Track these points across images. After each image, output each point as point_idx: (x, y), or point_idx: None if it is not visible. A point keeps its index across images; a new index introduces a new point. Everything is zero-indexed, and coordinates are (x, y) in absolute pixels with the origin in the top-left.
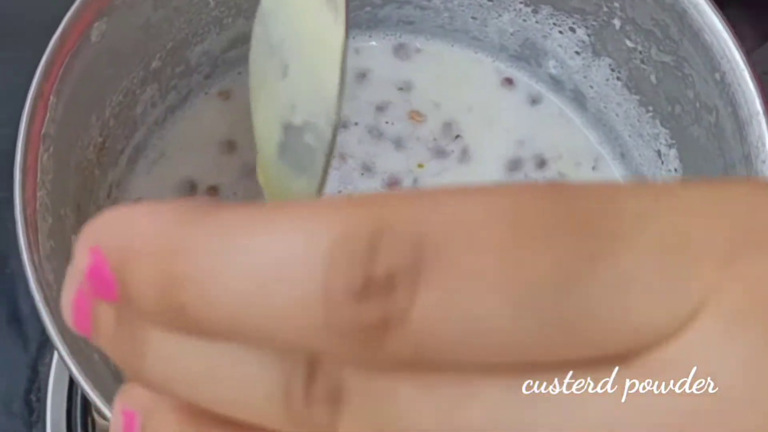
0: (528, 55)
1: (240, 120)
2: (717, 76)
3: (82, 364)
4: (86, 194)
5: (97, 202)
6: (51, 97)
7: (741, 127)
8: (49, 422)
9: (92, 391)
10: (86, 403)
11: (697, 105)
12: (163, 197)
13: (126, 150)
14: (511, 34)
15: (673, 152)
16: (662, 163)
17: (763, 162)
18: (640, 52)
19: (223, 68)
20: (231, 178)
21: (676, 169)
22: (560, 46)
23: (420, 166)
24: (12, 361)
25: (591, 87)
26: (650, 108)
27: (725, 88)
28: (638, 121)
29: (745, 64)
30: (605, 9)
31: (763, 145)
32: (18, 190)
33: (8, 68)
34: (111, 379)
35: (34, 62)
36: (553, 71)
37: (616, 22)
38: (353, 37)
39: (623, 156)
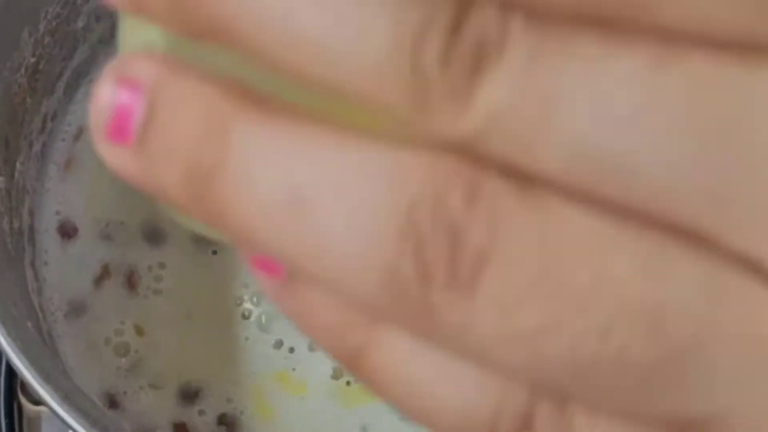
0: None
1: None
2: None
3: (12, 333)
4: (15, 127)
5: (29, 137)
6: None
7: None
8: None
9: (23, 366)
10: (12, 385)
11: None
12: None
13: (64, 73)
14: None
15: None
16: None
17: None
18: None
19: None
20: None
21: None
22: None
23: None
24: None
25: None
26: None
27: None
28: None
29: None
30: None
31: None
32: None
33: None
34: (48, 357)
35: None
36: None
37: None
38: None
39: None
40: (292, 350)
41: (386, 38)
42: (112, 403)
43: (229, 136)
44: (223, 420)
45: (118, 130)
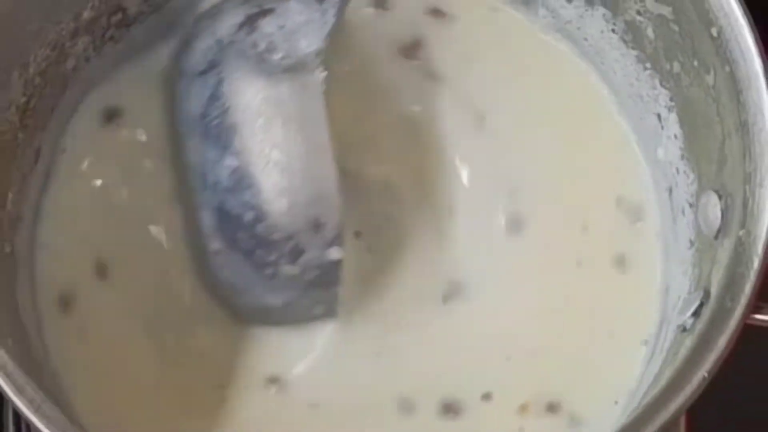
0: (517, 2)
1: None
2: (714, 31)
3: None
4: (5, 161)
5: (21, 170)
6: None
7: (739, 90)
8: None
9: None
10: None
11: (696, 63)
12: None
13: (55, 110)
14: None
15: (672, 116)
16: (662, 128)
17: (761, 130)
18: (636, 2)
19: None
20: None
21: (676, 135)
22: None
23: None
24: None
25: (585, 40)
26: (648, 65)
27: (722, 45)
28: (637, 79)
29: (744, 19)
30: None
31: (762, 113)
32: None
33: None
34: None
35: None
36: (544, 21)
37: None
38: None
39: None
40: None
41: None
42: None
43: None
44: None
45: None
